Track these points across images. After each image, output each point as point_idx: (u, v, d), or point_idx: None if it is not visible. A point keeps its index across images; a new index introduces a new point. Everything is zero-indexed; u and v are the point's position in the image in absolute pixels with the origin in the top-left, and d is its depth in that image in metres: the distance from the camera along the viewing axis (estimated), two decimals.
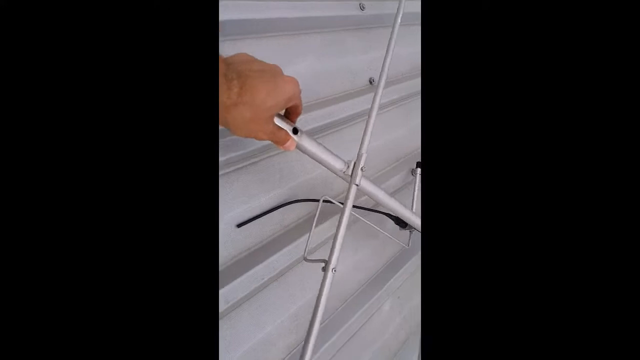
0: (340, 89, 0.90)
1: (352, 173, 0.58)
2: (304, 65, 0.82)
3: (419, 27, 1.16)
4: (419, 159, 1.05)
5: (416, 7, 1.08)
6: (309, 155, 0.56)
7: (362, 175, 0.60)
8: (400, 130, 1.06)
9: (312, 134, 0.81)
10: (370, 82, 0.96)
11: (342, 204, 0.57)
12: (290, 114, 0.52)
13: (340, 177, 0.60)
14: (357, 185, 0.58)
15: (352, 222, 0.88)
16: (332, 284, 0.84)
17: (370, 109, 0.63)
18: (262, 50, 0.74)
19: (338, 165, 0.58)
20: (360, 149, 0.60)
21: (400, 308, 0.99)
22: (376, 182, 0.94)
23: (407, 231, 0.85)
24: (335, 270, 0.52)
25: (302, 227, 0.76)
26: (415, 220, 0.77)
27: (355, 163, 0.59)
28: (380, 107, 1.00)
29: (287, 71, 0.81)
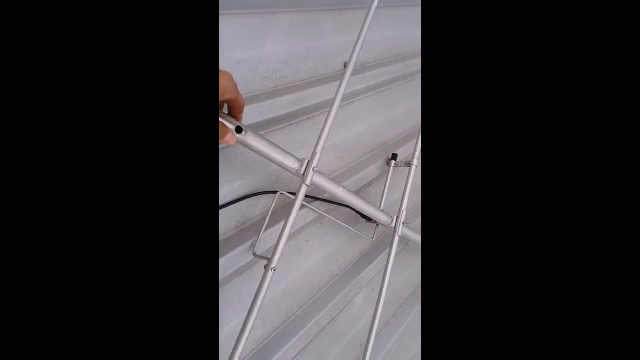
0: (312, 73, 0.86)
1: (304, 173, 0.56)
2: (273, 46, 0.78)
3: (399, 10, 1.10)
4: (397, 149, 1.02)
5: None
6: (257, 153, 0.53)
7: (318, 173, 0.58)
8: (379, 117, 1.02)
9: (280, 121, 0.77)
10: (345, 66, 0.92)
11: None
12: (231, 109, 0.49)
13: (294, 175, 0.57)
14: (307, 185, 0.55)
15: (321, 215, 0.86)
16: (300, 278, 0.84)
17: (332, 104, 0.60)
18: (228, 29, 0.70)
19: (290, 163, 0.55)
20: (315, 147, 0.57)
21: (373, 300, 0.98)
22: (353, 170, 0.93)
23: (374, 224, 0.83)
24: (274, 270, 0.50)
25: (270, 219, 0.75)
26: (380, 215, 0.75)
27: (308, 162, 0.56)
28: (357, 93, 0.96)
29: (256, 52, 0.78)
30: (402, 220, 0.78)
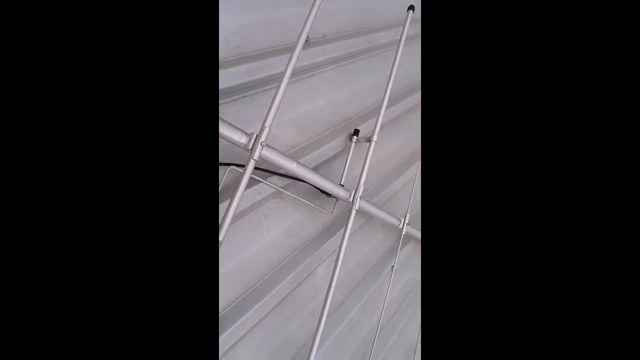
0: (270, 43, 0.83)
1: (252, 147, 0.55)
2: (230, 15, 0.75)
3: None
4: (360, 125, 1.02)
5: None
6: None
7: (268, 148, 0.57)
8: (342, 91, 1.01)
9: (233, 92, 0.75)
10: (307, 41, 0.89)
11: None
12: None
13: (242, 149, 0.57)
14: (255, 160, 0.55)
15: (284, 188, 0.86)
16: (258, 252, 0.85)
17: (282, 76, 0.59)
18: None
19: (237, 137, 0.55)
20: (264, 121, 0.56)
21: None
22: (314, 145, 0.93)
23: (334, 198, 0.85)
24: (221, 243, 0.51)
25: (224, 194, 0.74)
26: (337, 190, 0.75)
27: (257, 136, 0.56)
28: (319, 66, 0.95)
29: None
30: (359, 195, 0.80)
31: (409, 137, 1.30)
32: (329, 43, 0.93)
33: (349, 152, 0.92)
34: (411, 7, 0.92)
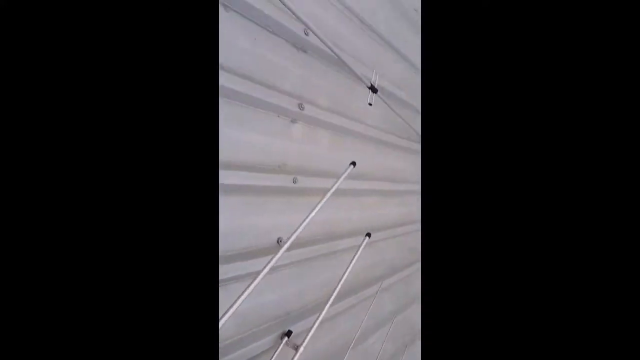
0: (240, 245, 0.94)
1: None
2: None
3: (340, 199, 1.28)
4: (299, 322, 1.08)
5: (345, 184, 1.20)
6: None
7: None
8: (291, 288, 1.10)
9: None
10: (278, 242, 1.02)
11: None
12: None
13: None
14: None
15: None
16: None
17: (252, 281, 0.66)
18: None
19: None
20: None
21: None
22: (244, 341, 0.94)
23: None
24: None
25: None
26: None
27: None
28: (281, 266, 1.05)
29: None
30: None
31: (338, 334, 1.36)
32: (296, 248, 1.06)
33: (274, 352, 0.95)
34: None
